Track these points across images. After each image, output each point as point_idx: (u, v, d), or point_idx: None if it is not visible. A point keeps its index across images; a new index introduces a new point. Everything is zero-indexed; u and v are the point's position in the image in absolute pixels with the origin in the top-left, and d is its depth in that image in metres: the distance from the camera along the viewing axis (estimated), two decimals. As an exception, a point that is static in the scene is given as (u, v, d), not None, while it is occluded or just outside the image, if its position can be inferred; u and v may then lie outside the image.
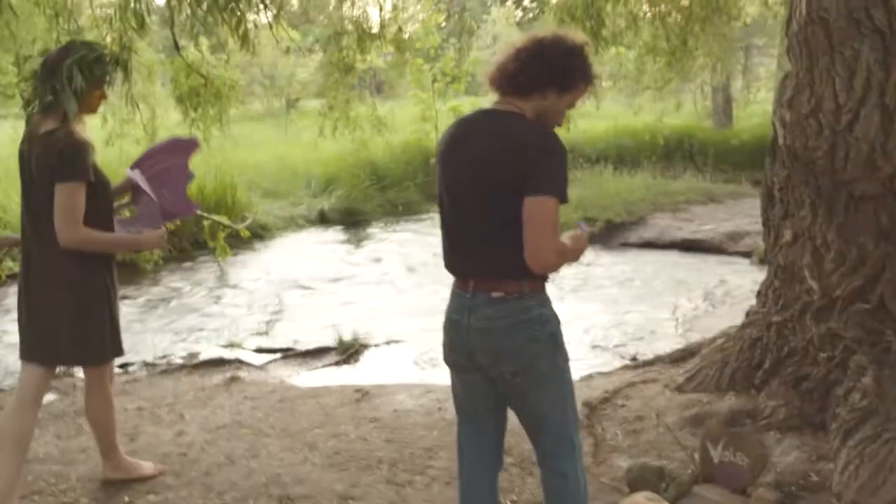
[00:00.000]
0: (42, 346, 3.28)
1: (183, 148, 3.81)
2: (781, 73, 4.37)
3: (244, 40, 3.91)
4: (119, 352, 3.45)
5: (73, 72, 3.16)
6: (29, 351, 3.31)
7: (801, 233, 4.09)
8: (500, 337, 2.48)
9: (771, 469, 3.46)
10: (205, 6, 3.73)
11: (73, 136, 3.16)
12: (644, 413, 4.27)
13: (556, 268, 2.47)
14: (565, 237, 2.52)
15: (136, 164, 3.63)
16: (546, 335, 2.51)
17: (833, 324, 3.89)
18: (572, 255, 2.53)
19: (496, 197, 2.43)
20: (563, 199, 2.38)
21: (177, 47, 6.53)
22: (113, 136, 10.13)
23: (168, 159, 3.70)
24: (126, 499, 3.50)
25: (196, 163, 12.12)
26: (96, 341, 3.30)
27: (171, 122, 9.88)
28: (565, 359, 2.60)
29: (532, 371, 2.51)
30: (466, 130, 2.58)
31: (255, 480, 3.67)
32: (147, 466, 3.73)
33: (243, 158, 14.30)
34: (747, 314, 4.63)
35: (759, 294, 4.61)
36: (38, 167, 3.16)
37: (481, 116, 2.60)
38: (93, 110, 3.37)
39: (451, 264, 2.63)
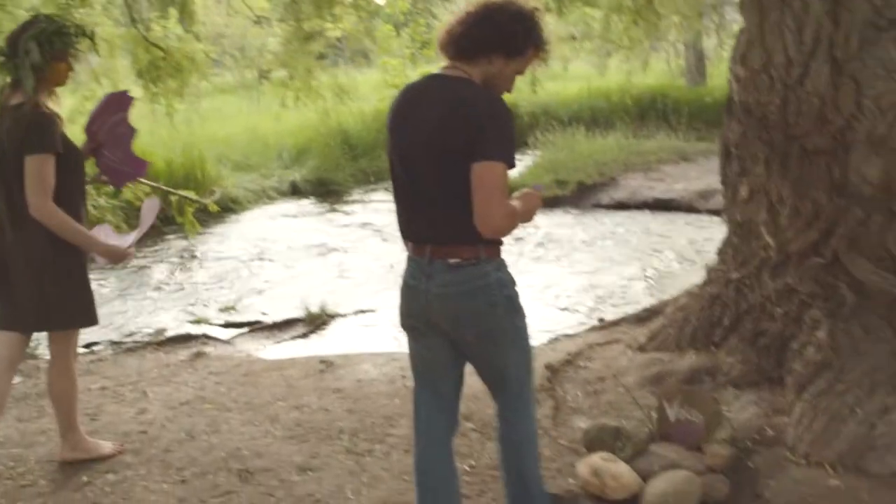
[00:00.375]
0: (15, 314, 3.37)
1: (118, 103, 3.75)
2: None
3: (189, 16, 3.84)
4: (92, 320, 3.51)
5: (30, 45, 3.22)
6: (3, 319, 3.40)
7: (757, 189, 4.09)
8: (459, 302, 2.51)
9: (727, 425, 3.48)
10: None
11: (40, 108, 3.24)
12: (605, 374, 4.29)
13: (507, 231, 2.47)
14: (515, 196, 2.53)
15: (87, 130, 3.65)
16: (503, 299, 2.53)
17: (789, 279, 3.91)
18: (523, 216, 2.53)
19: (448, 162, 2.41)
20: (511, 164, 2.39)
21: (132, 20, 6.42)
22: (75, 114, 9.94)
23: (109, 118, 3.66)
24: (84, 479, 3.48)
25: (164, 137, 11.97)
26: (68, 308, 3.38)
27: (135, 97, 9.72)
28: (523, 319, 2.63)
29: (492, 334, 2.56)
30: (416, 96, 2.56)
31: (214, 455, 3.66)
32: (106, 446, 3.72)
33: (213, 131, 14.17)
34: (708, 272, 4.64)
35: (719, 252, 4.63)
36: (9, 141, 3.23)
37: (430, 81, 2.58)
38: (59, 83, 3.39)
39: (406, 231, 2.62)
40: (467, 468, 3.41)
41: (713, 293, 4.43)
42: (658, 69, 22.17)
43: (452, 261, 2.48)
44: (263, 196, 12.06)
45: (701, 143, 14.22)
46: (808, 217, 3.79)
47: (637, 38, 11.03)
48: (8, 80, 3.33)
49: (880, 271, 3.59)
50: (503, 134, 2.38)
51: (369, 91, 15.70)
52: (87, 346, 5.89)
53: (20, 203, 3.24)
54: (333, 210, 11.54)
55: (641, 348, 4.57)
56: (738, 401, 3.83)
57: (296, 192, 12.66)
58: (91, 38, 3.58)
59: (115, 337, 6.10)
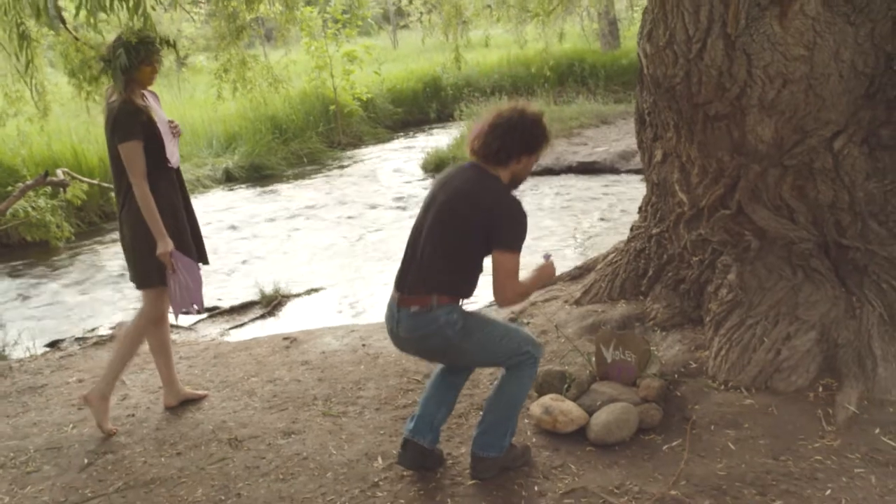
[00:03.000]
0: (133, 274, 4.14)
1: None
2: None
3: (145, 23, 4.10)
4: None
5: (119, 53, 3.92)
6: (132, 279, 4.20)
7: (669, 152, 4.58)
8: (419, 344, 3.19)
9: (656, 362, 3.98)
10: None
11: (128, 104, 3.91)
12: (547, 327, 4.75)
13: (518, 303, 3.24)
14: (533, 270, 3.23)
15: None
16: (454, 333, 3.11)
17: (702, 230, 4.42)
18: (537, 286, 3.25)
19: (454, 232, 3.08)
20: (519, 251, 3.07)
21: (63, 22, 6.52)
22: (4, 117, 9.92)
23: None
24: (86, 461, 3.79)
25: (95, 132, 11.84)
26: (156, 270, 4.01)
27: (65, 97, 9.73)
28: (479, 325, 3.19)
29: (455, 355, 3.23)
30: (454, 176, 3.21)
31: (202, 429, 4.01)
32: (197, 392, 4.45)
33: (140, 124, 14.11)
34: (631, 229, 5.14)
35: (640, 209, 5.12)
36: (106, 130, 4.00)
37: (469, 169, 3.20)
38: (144, 83, 4.04)
39: (396, 278, 3.25)
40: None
41: (637, 248, 4.94)
42: (573, 34, 22.73)
43: (413, 309, 3.10)
44: (199, 185, 12.17)
45: (619, 105, 14.82)
46: (714, 174, 4.29)
47: (552, 9, 11.44)
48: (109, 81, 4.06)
49: (778, 218, 4.12)
50: (519, 231, 3.06)
51: (292, 72, 15.81)
52: (52, 343, 6.10)
53: (123, 184, 3.99)
54: (269, 194, 11.75)
55: (577, 302, 5.05)
56: (664, 341, 4.35)
57: (230, 178, 12.80)
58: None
59: (78, 333, 6.30)
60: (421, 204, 3.29)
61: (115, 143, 3.91)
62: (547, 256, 3.31)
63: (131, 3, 3.84)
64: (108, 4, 3.93)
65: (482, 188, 3.09)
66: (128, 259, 4.14)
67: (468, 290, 3.18)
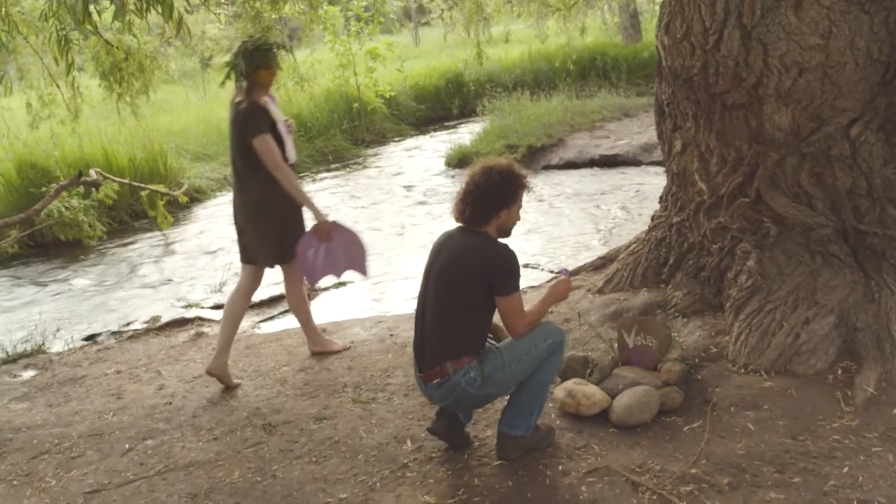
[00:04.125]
0: (246, 252, 4.75)
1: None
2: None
3: (179, 27, 4.27)
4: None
5: (238, 59, 4.44)
6: (241, 255, 4.78)
7: (688, 142, 4.65)
8: (455, 405, 3.44)
9: (677, 347, 4.08)
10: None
11: (253, 104, 4.43)
12: (571, 315, 4.85)
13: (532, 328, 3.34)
14: (549, 286, 3.50)
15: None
16: (477, 387, 3.30)
17: (721, 218, 4.49)
18: (547, 308, 3.46)
19: (454, 298, 3.29)
20: (518, 289, 3.30)
21: (95, 31, 6.73)
22: (37, 119, 10.18)
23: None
24: (127, 446, 3.96)
25: (124, 133, 12.11)
26: (283, 244, 4.62)
27: (95, 99, 9.97)
28: (498, 364, 3.30)
29: (490, 396, 3.42)
30: (447, 241, 3.42)
31: (237, 416, 4.16)
32: (337, 343, 5.03)
33: (168, 124, 14.36)
34: (652, 218, 5.22)
35: (661, 199, 5.20)
36: (232, 127, 4.53)
37: (459, 232, 3.41)
38: (264, 85, 4.52)
39: (413, 347, 3.48)
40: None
41: (658, 237, 5.02)
42: (594, 27, 22.72)
43: (436, 381, 3.32)
44: (226, 184, 12.32)
45: (641, 98, 14.82)
46: (733, 163, 4.37)
47: (573, 3, 11.50)
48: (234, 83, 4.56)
49: (797, 205, 4.19)
50: (514, 276, 3.29)
51: (317, 71, 15.98)
52: (89, 337, 6.29)
53: (241, 174, 4.58)
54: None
55: (600, 291, 5.14)
56: (686, 327, 4.44)
57: (256, 177, 12.96)
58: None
59: (113, 327, 6.48)
60: (429, 250, 3.50)
61: (246, 139, 4.39)
62: (565, 272, 3.53)
63: (163, 9, 4.02)
64: (142, 8, 4.12)
65: (473, 249, 3.30)
66: (251, 240, 4.68)
67: (480, 345, 3.36)
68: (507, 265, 3.28)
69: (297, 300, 4.88)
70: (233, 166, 4.67)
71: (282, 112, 4.72)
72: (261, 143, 4.37)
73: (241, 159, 4.53)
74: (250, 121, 4.39)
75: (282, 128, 4.54)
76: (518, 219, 3.45)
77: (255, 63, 4.40)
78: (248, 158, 4.47)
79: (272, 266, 4.76)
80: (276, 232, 4.60)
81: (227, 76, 4.57)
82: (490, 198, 3.31)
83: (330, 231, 4.58)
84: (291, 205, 4.57)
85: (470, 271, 3.26)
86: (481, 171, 3.36)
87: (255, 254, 4.70)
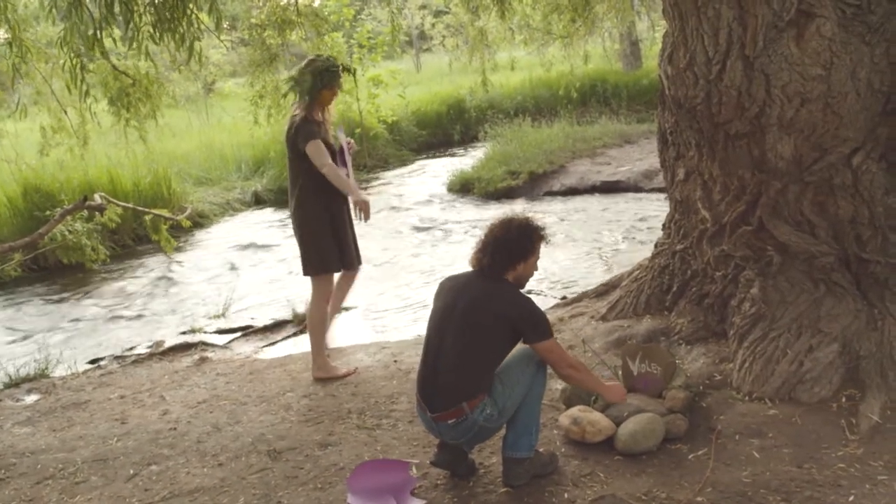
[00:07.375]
0: (303, 261, 4.95)
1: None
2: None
3: (190, 53, 4.33)
4: (339, 266, 4.99)
5: (306, 76, 4.73)
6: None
7: (691, 170, 4.70)
8: (470, 443, 3.47)
9: (682, 374, 4.08)
10: (148, 19, 4.14)
11: (308, 118, 4.74)
12: (574, 342, 4.87)
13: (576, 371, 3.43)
14: (608, 385, 3.67)
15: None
16: (493, 420, 3.33)
17: (725, 246, 4.52)
18: (598, 389, 3.64)
19: (477, 341, 3.28)
20: (552, 334, 3.35)
21: (105, 56, 6.79)
22: (46, 147, 10.23)
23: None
24: (131, 472, 3.95)
25: (129, 158, 12.12)
26: (314, 259, 4.88)
27: (104, 126, 10.03)
28: (504, 393, 3.32)
29: (499, 425, 3.42)
30: (460, 282, 3.46)
31: (242, 441, 4.16)
32: (342, 369, 5.04)
33: (171, 148, 14.45)
34: (656, 245, 5.25)
35: (664, 227, 5.23)
36: (287, 138, 4.81)
37: (474, 275, 3.45)
38: (325, 104, 4.84)
39: (419, 388, 3.43)
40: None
41: (661, 264, 5.05)
42: (595, 55, 22.89)
43: (451, 422, 3.31)
44: (229, 208, 12.44)
45: (642, 124, 14.92)
46: (735, 191, 4.41)
47: (574, 30, 11.62)
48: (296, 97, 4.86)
49: (799, 233, 4.22)
50: (541, 321, 3.32)
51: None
52: (92, 361, 6.29)
53: (295, 184, 4.83)
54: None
55: (604, 318, 5.16)
56: (689, 354, 4.45)
57: (259, 201, 13.06)
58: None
59: (117, 352, 6.49)
60: (433, 304, 3.50)
61: (298, 146, 4.68)
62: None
63: (178, 37, 4.08)
64: (158, 36, 4.18)
65: (497, 295, 3.33)
66: (301, 250, 4.93)
67: (491, 383, 3.35)
68: (533, 314, 3.32)
69: (317, 318, 4.98)
70: (288, 173, 4.99)
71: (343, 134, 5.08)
72: (312, 147, 4.65)
73: (289, 170, 4.89)
74: (303, 130, 4.67)
75: (345, 147, 4.93)
76: (536, 269, 3.50)
77: (322, 82, 4.71)
78: (291, 169, 4.84)
79: (305, 275, 4.99)
80: (307, 244, 4.87)
81: (291, 90, 4.86)
82: (509, 250, 3.38)
83: (368, 209, 4.72)
84: (323, 221, 4.82)
85: (496, 320, 3.29)
86: (500, 224, 3.43)
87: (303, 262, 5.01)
